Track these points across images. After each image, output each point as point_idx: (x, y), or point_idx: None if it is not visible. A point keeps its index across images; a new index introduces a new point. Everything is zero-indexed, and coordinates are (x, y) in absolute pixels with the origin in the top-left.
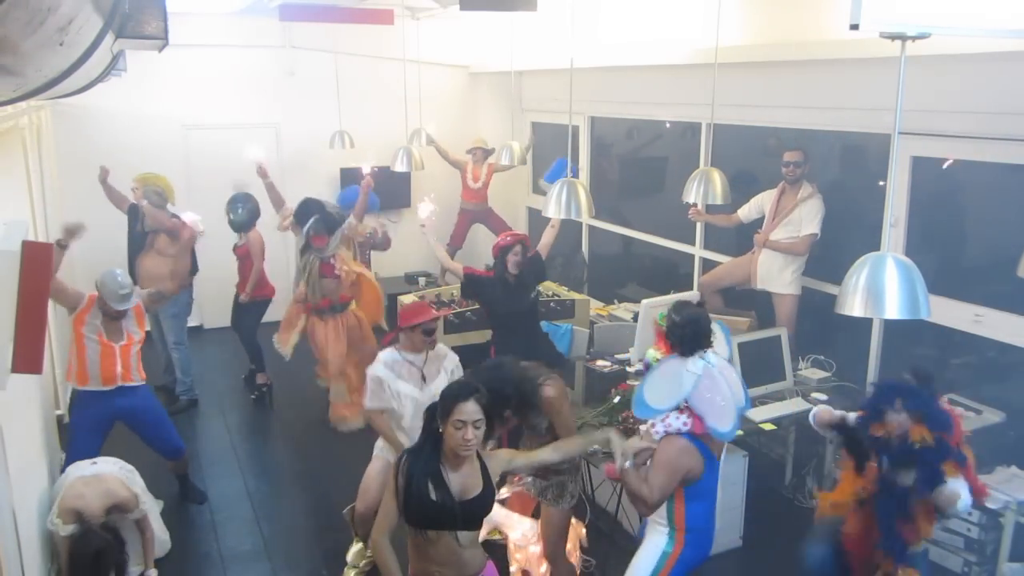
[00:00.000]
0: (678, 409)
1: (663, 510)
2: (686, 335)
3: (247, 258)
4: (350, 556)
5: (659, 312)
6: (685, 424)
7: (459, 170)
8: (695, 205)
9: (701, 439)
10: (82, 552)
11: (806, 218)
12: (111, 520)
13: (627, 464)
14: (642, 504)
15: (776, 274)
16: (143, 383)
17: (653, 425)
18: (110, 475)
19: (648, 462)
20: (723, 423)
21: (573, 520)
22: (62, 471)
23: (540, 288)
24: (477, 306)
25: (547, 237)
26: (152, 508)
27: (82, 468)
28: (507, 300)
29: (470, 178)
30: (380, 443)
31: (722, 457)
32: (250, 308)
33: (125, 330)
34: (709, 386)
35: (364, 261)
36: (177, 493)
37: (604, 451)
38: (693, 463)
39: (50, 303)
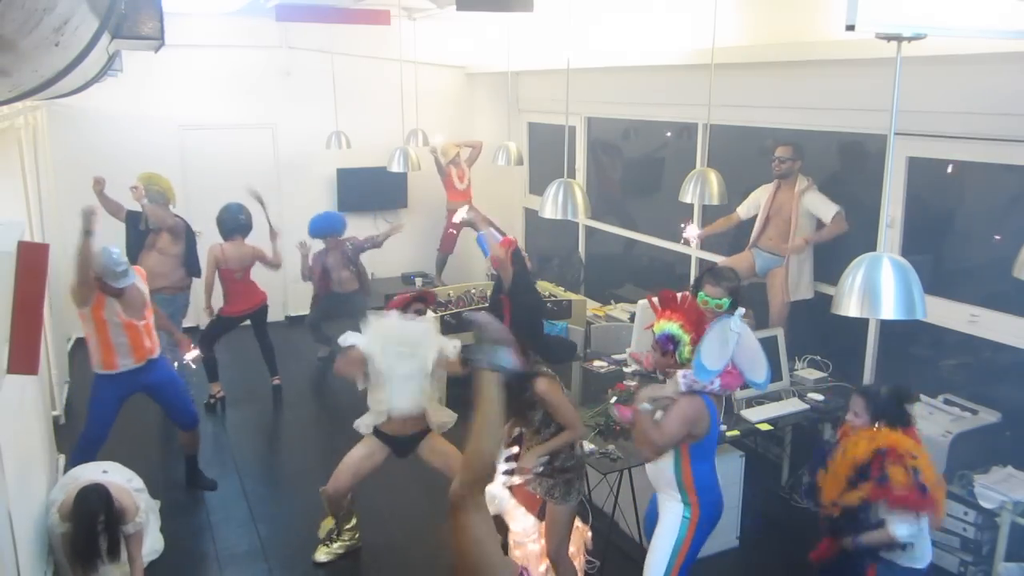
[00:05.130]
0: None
1: (673, 484)
2: (741, 291)
3: None
4: (321, 529)
5: (708, 298)
6: (712, 383)
7: (443, 176)
8: (688, 226)
9: (712, 399)
10: (80, 510)
11: (820, 206)
12: (112, 519)
13: (646, 407)
14: (649, 447)
15: (801, 283)
16: (161, 355)
17: (684, 377)
18: (117, 484)
19: (659, 413)
20: (759, 376)
21: (578, 523)
22: (76, 449)
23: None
24: (475, 305)
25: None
26: (151, 522)
27: (92, 473)
28: (529, 293)
29: (456, 180)
30: (363, 419)
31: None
32: (214, 320)
33: (139, 304)
34: (745, 342)
35: (356, 265)
36: (183, 486)
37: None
38: (703, 423)
39: (46, 304)
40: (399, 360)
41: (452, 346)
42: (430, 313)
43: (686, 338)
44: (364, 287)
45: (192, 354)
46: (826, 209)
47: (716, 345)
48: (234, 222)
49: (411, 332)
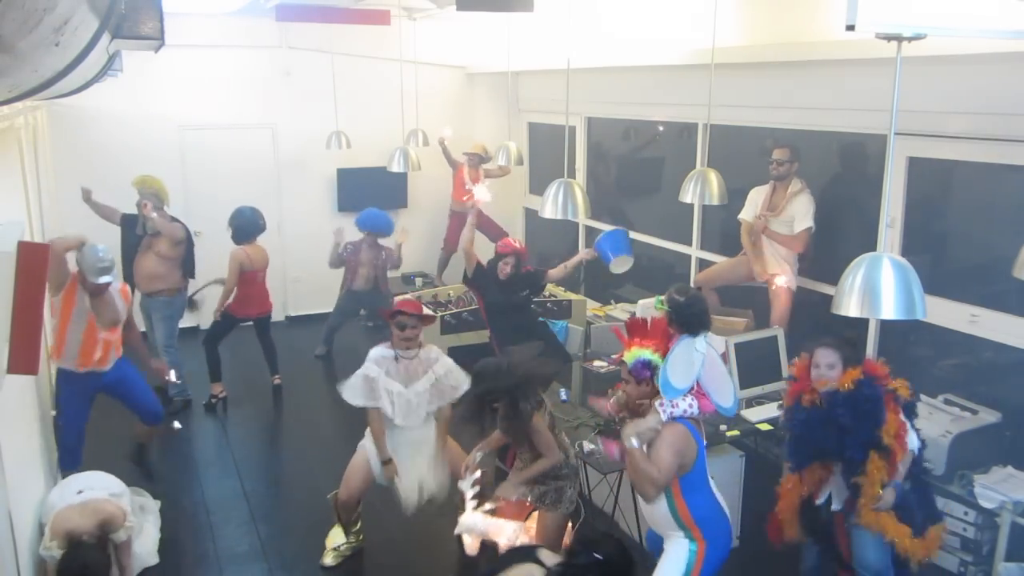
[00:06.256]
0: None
1: (672, 523)
2: (693, 314)
3: None
4: (329, 540)
5: (656, 298)
6: (691, 406)
7: (453, 170)
8: (778, 277)
9: (694, 425)
10: (69, 567)
11: (798, 214)
12: (103, 538)
13: (634, 443)
14: (649, 484)
15: (780, 263)
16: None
17: (661, 406)
18: (97, 500)
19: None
20: (726, 400)
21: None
22: (60, 455)
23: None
24: (475, 306)
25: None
26: (150, 524)
27: (68, 497)
28: (499, 292)
29: (469, 181)
30: (365, 439)
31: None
32: (220, 319)
33: (110, 316)
34: (712, 365)
35: (380, 278)
36: (182, 487)
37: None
38: (691, 451)
39: (46, 304)
40: (407, 417)
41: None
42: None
43: (662, 361)
44: (383, 293)
45: (171, 376)
46: (801, 220)
47: (682, 362)
48: (252, 226)
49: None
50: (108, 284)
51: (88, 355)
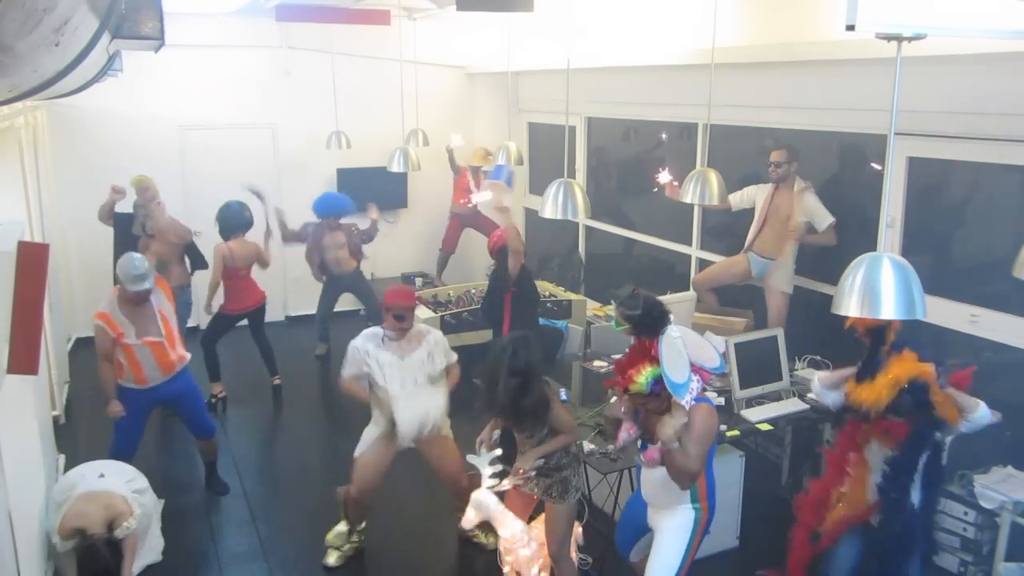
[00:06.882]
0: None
1: (685, 498)
2: (654, 319)
3: None
4: (330, 536)
5: (613, 320)
6: (699, 382)
7: (456, 175)
8: (663, 172)
9: (706, 398)
10: (90, 567)
11: (816, 213)
12: (114, 536)
13: (675, 445)
14: (688, 478)
15: (785, 275)
16: (186, 364)
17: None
18: (114, 491)
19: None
20: (713, 361)
21: None
22: (114, 453)
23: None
24: (475, 306)
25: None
26: (152, 523)
27: (90, 481)
28: (528, 280)
29: (473, 186)
30: (363, 437)
31: None
32: (215, 318)
33: (157, 310)
34: (688, 339)
35: (357, 256)
36: (182, 487)
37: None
38: (717, 422)
39: (46, 304)
40: (404, 384)
41: (452, 357)
42: (420, 326)
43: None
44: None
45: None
46: (822, 218)
47: (674, 358)
48: (238, 219)
49: (410, 364)
50: (148, 291)
51: (165, 362)
